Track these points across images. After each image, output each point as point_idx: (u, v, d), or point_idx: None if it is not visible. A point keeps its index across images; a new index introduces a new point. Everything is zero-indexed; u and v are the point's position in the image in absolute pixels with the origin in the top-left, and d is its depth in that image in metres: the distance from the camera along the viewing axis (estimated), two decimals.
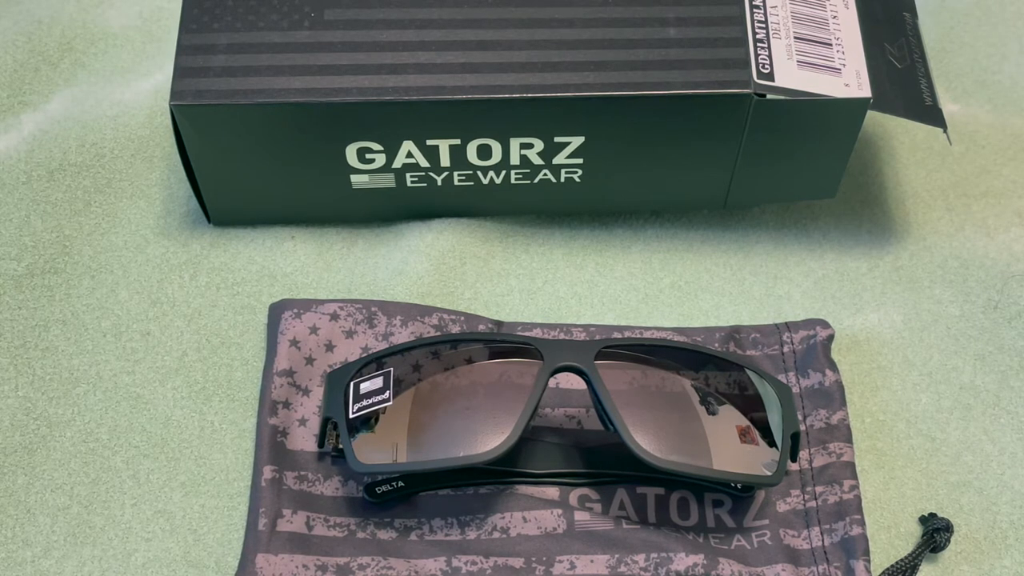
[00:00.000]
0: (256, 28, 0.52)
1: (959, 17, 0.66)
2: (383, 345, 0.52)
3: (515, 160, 0.54)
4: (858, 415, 0.53)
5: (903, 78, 0.53)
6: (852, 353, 0.54)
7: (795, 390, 0.52)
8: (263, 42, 0.52)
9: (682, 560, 0.47)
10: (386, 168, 0.54)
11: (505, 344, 0.48)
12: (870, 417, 0.53)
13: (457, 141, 0.53)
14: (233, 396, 0.52)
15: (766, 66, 0.52)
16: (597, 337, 0.53)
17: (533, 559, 0.48)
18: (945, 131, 0.52)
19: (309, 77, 0.51)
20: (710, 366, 0.49)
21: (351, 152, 0.54)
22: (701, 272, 0.57)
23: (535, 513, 0.49)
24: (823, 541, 0.48)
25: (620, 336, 0.53)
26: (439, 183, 0.55)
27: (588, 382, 0.47)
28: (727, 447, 0.47)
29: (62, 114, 0.60)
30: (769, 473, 0.47)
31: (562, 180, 0.56)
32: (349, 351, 0.52)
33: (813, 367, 0.52)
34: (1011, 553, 0.49)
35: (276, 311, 0.53)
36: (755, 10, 0.53)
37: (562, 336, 0.53)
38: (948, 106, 0.63)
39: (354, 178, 0.55)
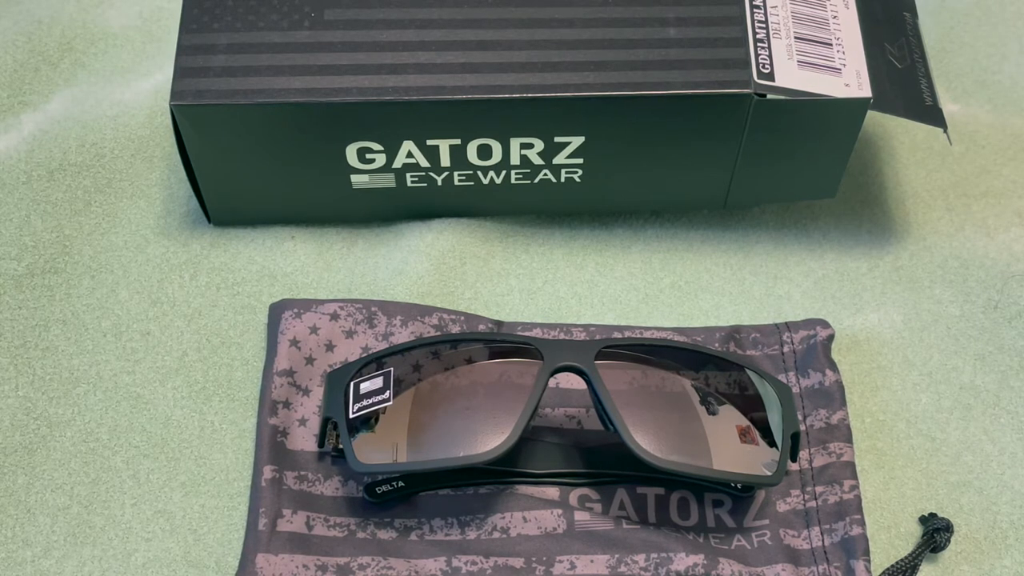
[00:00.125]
0: (256, 28, 0.52)
1: (959, 17, 0.66)
2: (383, 345, 0.52)
3: (515, 160, 0.54)
4: (858, 415, 0.53)
5: (903, 78, 0.53)
6: (852, 353, 0.54)
7: (795, 390, 0.52)
8: (263, 42, 0.52)
9: (682, 560, 0.47)
10: (386, 168, 0.54)
11: (505, 344, 0.48)
12: (870, 417, 0.53)
13: (457, 141, 0.53)
14: (233, 396, 0.52)
15: (766, 66, 0.52)
16: (597, 337, 0.53)
17: (533, 559, 0.48)
18: (945, 131, 0.52)
19: (309, 77, 0.51)
20: (710, 366, 0.49)
21: (351, 152, 0.54)
22: (701, 272, 0.57)
23: (535, 513, 0.49)
24: (823, 541, 0.48)
25: (620, 336, 0.53)
26: (439, 183, 0.55)
27: (588, 382, 0.47)
28: (727, 447, 0.47)
29: (62, 114, 0.60)
30: (769, 473, 0.47)
31: (562, 180, 0.56)
32: (349, 351, 0.52)
33: (813, 367, 0.52)
34: (1011, 553, 0.49)
35: (276, 311, 0.53)
36: (755, 10, 0.53)
37: (562, 336, 0.53)
38: (948, 106, 0.63)
39: (354, 178, 0.55)
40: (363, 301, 0.53)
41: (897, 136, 0.62)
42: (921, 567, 0.49)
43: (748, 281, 0.57)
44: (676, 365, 0.49)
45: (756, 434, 0.48)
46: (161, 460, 0.51)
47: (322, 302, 0.52)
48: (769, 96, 0.51)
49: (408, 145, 0.53)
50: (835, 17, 0.54)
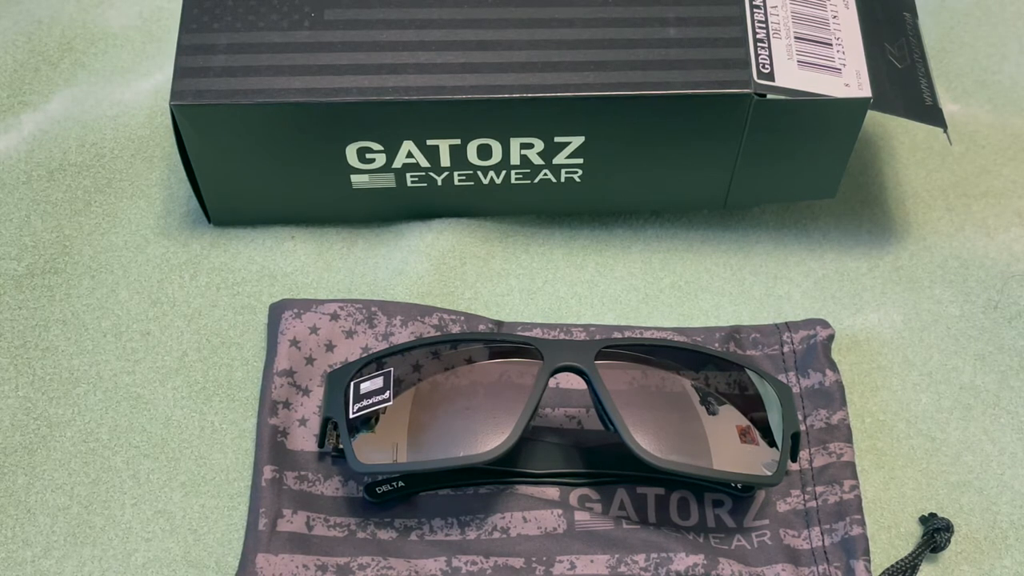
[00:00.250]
0: (256, 28, 0.52)
1: (959, 17, 0.66)
2: (383, 345, 0.52)
3: (515, 160, 0.54)
4: (858, 415, 0.53)
5: (903, 78, 0.53)
6: (852, 353, 0.54)
7: (795, 390, 0.52)
8: (263, 42, 0.52)
9: (682, 560, 0.47)
10: (386, 168, 0.54)
11: (505, 344, 0.48)
12: (870, 417, 0.53)
13: (457, 141, 0.53)
14: (233, 396, 0.52)
15: (766, 66, 0.52)
16: (597, 337, 0.53)
17: (533, 559, 0.48)
18: (945, 131, 0.52)
19: (309, 77, 0.51)
20: (710, 366, 0.49)
21: (351, 152, 0.54)
22: (701, 272, 0.57)
23: (535, 513, 0.49)
24: (823, 541, 0.48)
25: (620, 336, 0.53)
26: (439, 183, 0.55)
27: (588, 382, 0.47)
28: (727, 447, 0.47)
29: (62, 114, 0.60)
30: (769, 473, 0.47)
31: (562, 180, 0.56)
32: (349, 351, 0.52)
33: (813, 367, 0.52)
34: (1011, 553, 0.49)
35: (276, 311, 0.53)
36: (755, 10, 0.53)
37: (562, 336, 0.53)
38: (948, 106, 0.63)
39: (354, 178, 0.55)
40: (363, 301, 0.53)
41: (897, 136, 0.62)
42: (921, 567, 0.49)
43: (748, 281, 0.57)
44: (676, 365, 0.49)
45: (756, 434, 0.48)
46: (161, 460, 0.51)
47: (322, 302, 0.52)
48: (769, 96, 0.51)
49: (408, 145, 0.53)
50: (835, 17, 0.54)
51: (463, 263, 0.56)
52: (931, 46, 0.65)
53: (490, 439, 0.46)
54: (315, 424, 0.50)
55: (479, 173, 0.55)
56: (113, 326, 0.54)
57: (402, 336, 0.52)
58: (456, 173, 0.55)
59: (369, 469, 0.47)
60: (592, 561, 0.47)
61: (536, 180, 0.56)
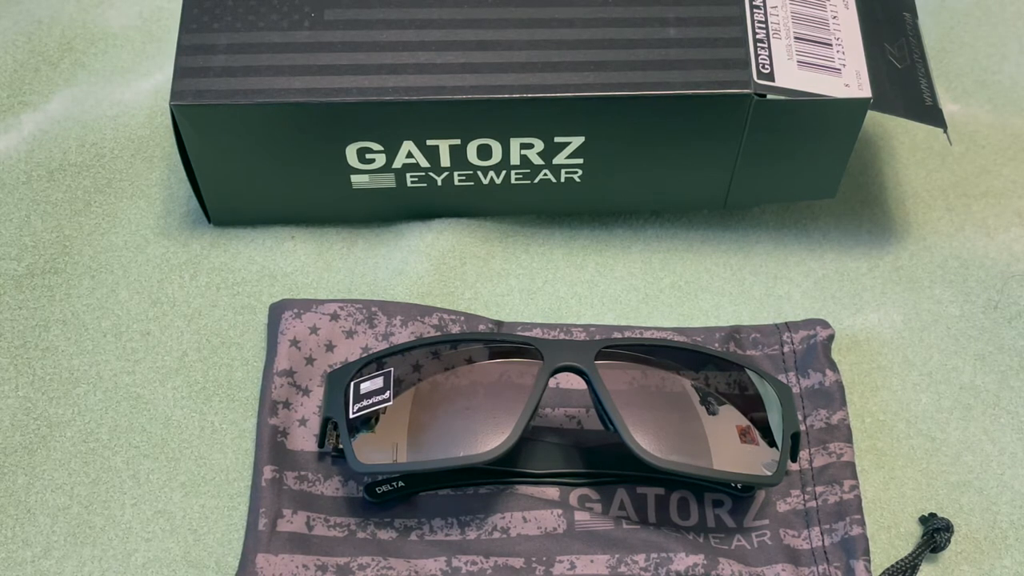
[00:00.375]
0: (256, 28, 0.52)
1: (959, 17, 0.66)
2: (383, 345, 0.52)
3: (515, 160, 0.54)
4: (858, 415, 0.53)
5: (903, 78, 0.53)
6: (852, 353, 0.54)
7: (795, 390, 0.52)
8: (263, 42, 0.52)
9: (682, 560, 0.47)
10: (386, 168, 0.54)
11: (505, 344, 0.48)
12: (870, 417, 0.53)
13: (457, 141, 0.53)
14: (233, 396, 0.52)
15: (766, 66, 0.52)
16: (597, 337, 0.53)
17: (533, 559, 0.48)
18: (945, 131, 0.52)
19: (309, 77, 0.51)
20: (710, 366, 0.49)
21: (351, 152, 0.54)
22: (701, 272, 0.57)
23: (535, 513, 0.49)
24: (823, 541, 0.48)
25: (620, 336, 0.53)
26: (439, 183, 0.55)
27: (588, 382, 0.47)
28: (727, 447, 0.47)
29: (62, 114, 0.60)
30: (769, 473, 0.47)
31: (562, 180, 0.56)
32: (349, 351, 0.52)
33: (813, 367, 0.52)
34: (1011, 553, 0.49)
35: (276, 311, 0.53)
36: (755, 10, 0.53)
37: (562, 336, 0.53)
38: (948, 106, 0.63)
39: (354, 178, 0.55)
40: (363, 301, 0.53)
41: (897, 136, 0.62)
42: (921, 567, 0.49)
43: (748, 281, 0.57)
44: (676, 365, 0.49)
45: (756, 434, 0.48)
46: (161, 460, 0.51)
47: (322, 302, 0.52)
48: (769, 96, 0.51)
49: (408, 145, 0.53)
50: (835, 17, 0.54)
51: (463, 263, 0.56)
52: (931, 46, 0.65)
53: (490, 439, 0.46)
54: (315, 424, 0.50)
55: (479, 173, 0.55)
56: (113, 326, 0.54)
57: (402, 336, 0.52)
58: (456, 173, 0.55)
59: (369, 469, 0.47)
60: (592, 561, 0.47)
61: (536, 180, 0.56)
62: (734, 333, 0.53)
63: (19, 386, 0.52)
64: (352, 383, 0.49)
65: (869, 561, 0.47)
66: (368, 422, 0.47)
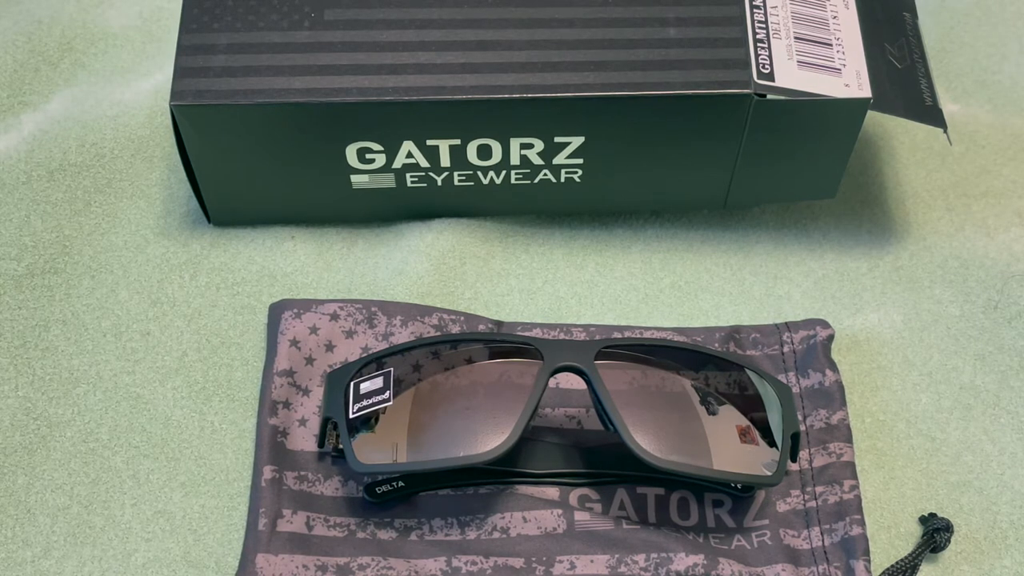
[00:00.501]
0: (256, 28, 0.52)
1: (959, 17, 0.66)
2: (383, 345, 0.52)
3: (515, 160, 0.54)
4: (858, 415, 0.53)
5: (903, 78, 0.53)
6: (852, 353, 0.54)
7: (795, 390, 0.52)
8: (263, 42, 0.52)
9: (682, 560, 0.47)
10: (386, 168, 0.54)
11: (505, 344, 0.48)
12: (870, 417, 0.53)
13: (457, 141, 0.53)
14: (233, 396, 0.52)
15: (766, 66, 0.52)
16: (597, 337, 0.53)
17: (533, 559, 0.48)
18: (945, 131, 0.52)
19: (309, 77, 0.51)
20: (710, 366, 0.49)
21: (351, 152, 0.54)
22: (701, 272, 0.57)
23: (535, 513, 0.49)
24: (823, 541, 0.48)
25: (620, 336, 0.53)
26: (439, 183, 0.55)
27: (588, 382, 0.47)
28: (727, 447, 0.47)
29: (62, 114, 0.60)
30: (769, 473, 0.47)
31: (562, 180, 0.56)
32: (349, 351, 0.52)
33: (813, 367, 0.52)
34: (1011, 553, 0.49)
35: (276, 311, 0.53)
36: (755, 10, 0.53)
37: (562, 336, 0.53)
38: (948, 106, 0.63)
39: (354, 178, 0.55)
40: (363, 301, 0.53)
41: (897, 136, 0.62)
42: (921, 567, 0.49)
43: (748, 281, 0.57)
44: (676, 365, 0.49)
45: (756, 434, 0.48)
46: (161, 460, 0.51)
47: (322, 302, 0.52)
48: (769, 96, 0.51)
49: (408, 145, 0.53)
50: (835, 17, 0.54)
51: (463, 263, 0.56)
52: (931, 46, 0.65)
53: (490, 439, 0.46)
54: (315, 424, 0.50)
55: (479, 173, 0.55)
56: (113, 326, 0.54)
57: (402, 336, 0.52)
58: (456, 173, 0.55)
59: (369, 469, 0.47)
60: (592, 561, 0.47)
61: (536, 180, 0.56)
62: (734, 333, 0.53)
63: (19, 386, 0.52)
64: (352, 383, 0.49)
65: (869, 561, 0.47)
66: (368, 422, 0.47)
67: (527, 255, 0.57)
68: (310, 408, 0.51)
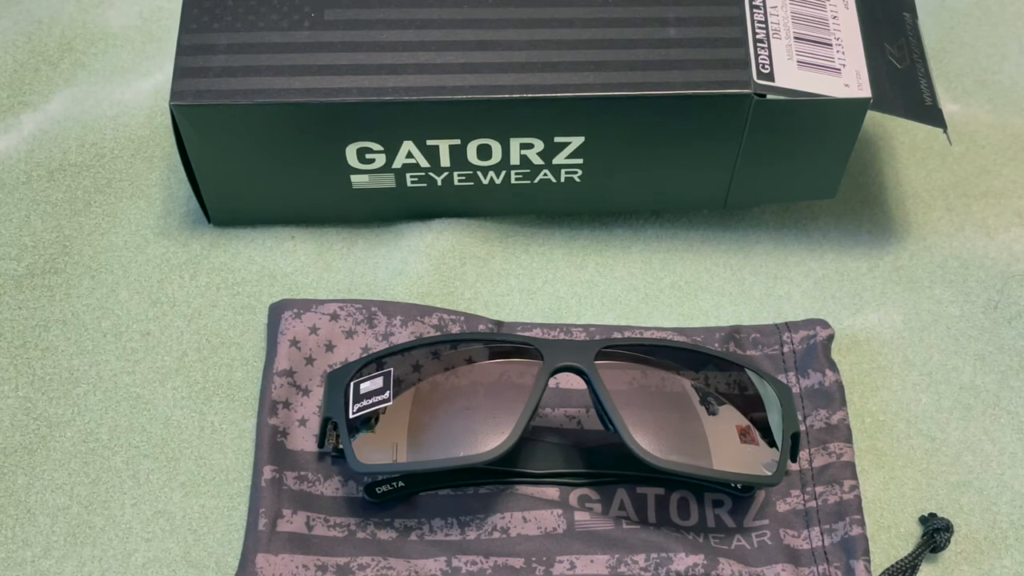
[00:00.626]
0: (256, 28, 0.52)
1: (959, 17, 0.66)
2: (383, 345, 0.52)
3: (515, 160, 0.54)
4: (858, 415, 0.53)
5: (903, 78, 0.53)
6: (852, 353, 0.54)
7: (795, 390, 0.52)
8: (263, 42, 0.52)
9: (682, 560, 0.47)
10: (386, 168, 0.54)
11: (505, 344, 0.48)
12: (870, 417, 0.53)
13: (457, 141, 0.53)
14: (233, 396, 0.52)
15: (766, 66, 0.52)
16: (597, 337, 0.53)
17: (533, 559, 0.48)
18: (945, 131, 0.52)
19: (309, 77, 0.51)
20: (710, 366, 0.49)
21: (351, 152, 0.54)
22: (701, 272, 0.57)
23: (535, 513, 0.49)
24: (823, 541, 0.48)
25: (620, 336, 0.53)
26: (439, 183, 0.55)
27: (588, 382, 0.47)
28: (727, 447, 0.47)
29: (62, 114, 0.60)
30: (769, 473, 0.47)
31: (562, 180, 0.56)
32: (349, 351, 0.52)
33: (813, 367, 0.52)
34: (1011, 553, 0.49)
35: (276, 311, 0.53)
36: (755, 10, 0.53)
37: (562, 336, 0.53)
38: (948, 106, 0.63)
39: (354, 178, 0.55)
40: (363, 301, 0.53)
41: (897, 136, 0.62)
42: (921, 567, 0.49)
43: (748, 281, 0.57)
44: (676, 365, 0.49)
45: (756, 434, 0.48)
46: (161, 460, 0.51)
47: (322, 302, 0.52)
48: (769, 96, 0.51)
49: (408, 145, 0.53)
50: (835, 17, 0.54)
51: (463, 263, 0.56)
52: (931, 46, 0.65)
53: (490, 439, 0.46)
54: (315, 424, 0.50)
55: (479, 173, 0.55)
56: (113, 326, 0.54)
57: (402, 336, 0.52)
58: (456, 173, 0.55)
59: (369, 469, 0.47)
60: (592, 561, 0.47)
61: (536, 180, 0.56)
62: (734, 333, 0.53)
63: (19, 386, 0.52)
64: (352, 383, 0.49)
65: (869, 561, 0.47)
66: (368, 422, 0.47)
67: (527, 255, 0.57)
68: (310, 408, 0.51)
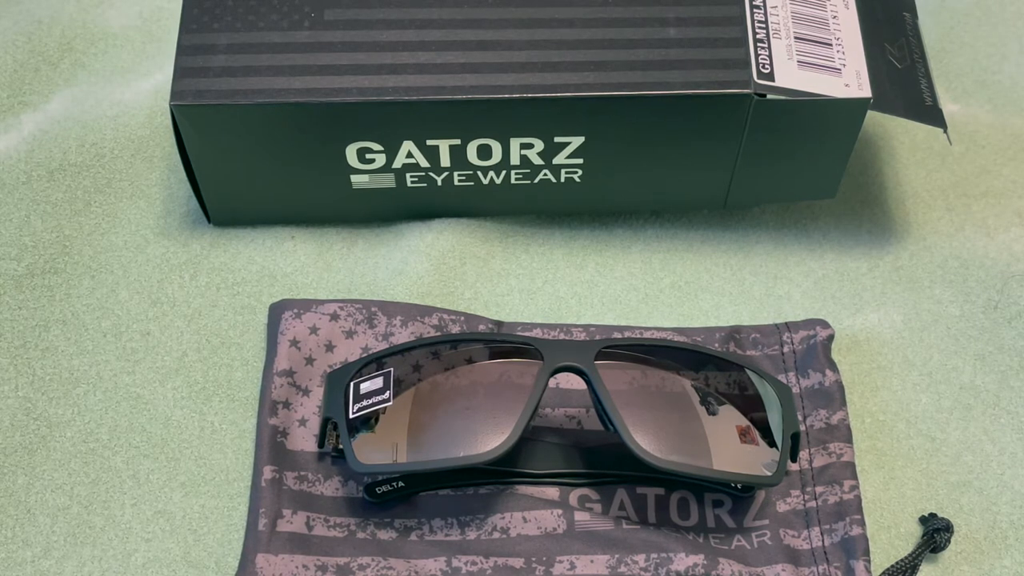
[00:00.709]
0: (256, 28, 0.52)
1: (959, 17, 0.66)
2: (383, 345, 0.52)
3: (515, 160, 0.54)
4: (858, 415, 0.53)
5: (903, 78, 0.53)
6: (852, 353, 0.54)
7: (795, 390, 0.52)
8: (263, 42, 0.52)
9: (682, 560, 0.47)
10: (386, 168, 0.54)
11: (505, 344, 0.48)
12: (870, 417, 0.53)
13: (457, 141, 0.53)
14: (233, 396, 0.52)
15: (766, 66, 0.52)
16: (597, 337, 0.53)
17: (533, 559, 0.48)
18: (945, 131, 0.52)
19: (309, 77, 0.51)
20: (710, 366, 0.49)
21: (351, 152, 0.54)
22: (701, 272, 0.57)
23: (535, 513, 0.49)
24: (823, 541, 0.48)
25: (620, 336, 0.53)
26: (439, 183, 0.55)
27: (588, 382, 0.47)
28: (727, 447, 0.47)
29: (62, 114, 0.60)
30: (769, 473, 0.47)
31: (562, 180, 0.56)
32: (349, 351, 0.52)
33: (813, 367, 0.52)
34: (1011, 553, 0.49)
35: (276, 311, 0.53)
36: (755, 10, 0.53)
37: (562, 336, 0.53)
38: (948, 106, 0.63)
39: (354, 178, 0.55)
40: (363, 301, 0.53)
41: (897, 136, 0.62)
42: (921, 567, 0.49)
43: (748, 281, 0.57)
44: (676, 365, 0.49)
45: (756, 434, 0.48)
46: (161, 460, 0.51)
47: (322, 302, 0.52)
48: (769, 96, 0.51)
49: (408, 145, 0.53)
50: (835, 17, 0.54)
51: (463, 263, 0.56)
52: (931, 46, 0.65)
53: (490, 439, 0.46)
54: (315, 424, 0.50)
55: (479, 173, 0.55)
56: (113, 326, 0.54)
57: (402, 336, 0.52)
58: (456, 173, 0.55)
59: (369, 469, 0.47)
60: (592, 561, 0.47)
61: (536, 180, 0.56)
62: (734, 333, 0.53)
63: (19, 386, 0.52)
64: (352, 383, 0.49)
65: (869, 561, 0.47)
66: (368, 422, 0.47)
67: (527, 255, 0.57)
68: (310, 408, 0.51)
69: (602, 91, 0.51)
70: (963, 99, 0.63)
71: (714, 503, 0.50)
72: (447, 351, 0.49)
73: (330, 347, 0.52)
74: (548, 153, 0.54)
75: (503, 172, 0.55)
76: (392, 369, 0.48)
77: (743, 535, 0.49)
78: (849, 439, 0.50)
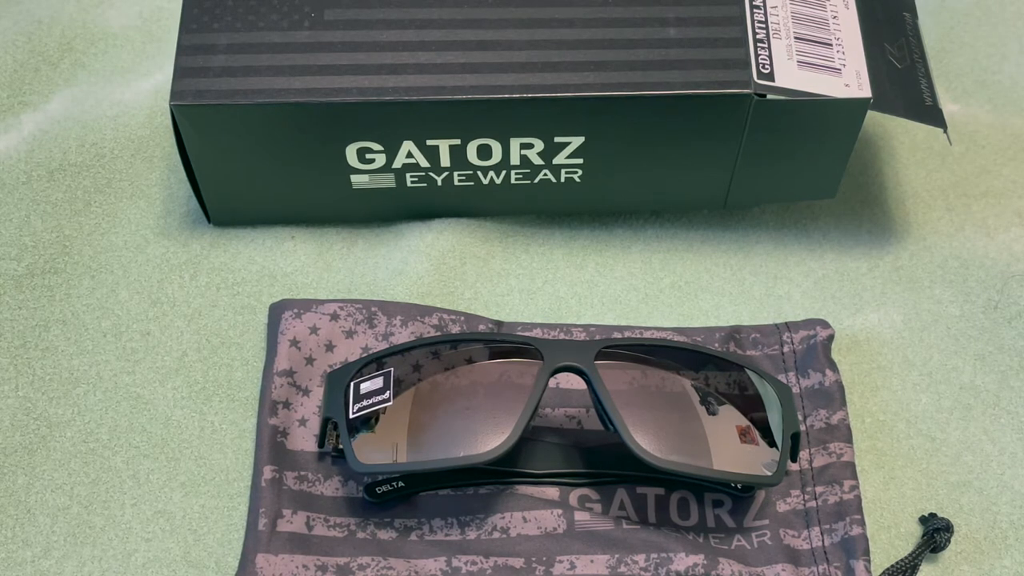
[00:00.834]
0: (256, 28, 0.52)
1: (959, 17, 0.66)
2: (383, 345, 0.52)
3: (515, 160, 0.54)
4: (858, 415, 0.53)
5: (903, 78, 0.53)
6: (852, 353, 0.54)
7: (795, 390, 0.52)
8: (263, 42, 0.52)
9: (682, 560, 0.47)
10: (386, 168, 0.54)
11: (505, 344, 0.48)
12: (870, 417, 0.53)
13: (457, 141, 0.53)
14: (233, 396, 0.52)
15: (766, 66, 0.52)
16: (597, 337, 0.53)
17: (533, 559, 0.48)
18: (945, 131, 0.52)
19: (309, 77, 0.51)
20: (710, 366, 0.49)
21: (351, 152, 0.54)
22: (701, 272, 0.57)
23: (535, 513, 0.49)
24: (823, 541, 0.48)
25: (620, 336, 0.53)
26: (439, 183, 0.55)
27: (588, 382, 0.47)
28: (727, 447, 0.47)
29: (62, 114, 0.60)
30: (769, 473, 0.47)
31: (562, 180, 0.56)
32: (349, 351, 0.52)
33: (813, 367, 0.52)
34: (1011, 553, 0.49)
35: (276, 311, 0.53)
36: (755, 10, 0.53)
37: (562, 336, 0.53)
38: (948, 106, 0.63)
39: (354, 178, 0.55)
40: (363, 301, 0.53)
41: (897, 136, 0.62)
42: (921, 567, 0.49)
43: (748, 281, 0.57)
44: (676, 365, 0.49)
45: (756, 434, 0.48)
46: (161, 460, 0.51)
47: (322, 302, 0.52)
48: (769, 96, 0.51)
49: (408, 145, 0.53)
50: (835, 17, 0.54)
51: (463, 263, 0.56)
52: (931, 46, 0.65)
53: (490, 439, 0.46)
54: (315, 424, 0.50)
55: (479, 173, 0.55)
56: (113, 326, 0.54)
57: (402, 336, 0.52)
58: (456, 173, 0.55)
59: (369, 469, 0.47)
60: (592, 561, 0.47)
61: (536, 180, 0.56)
62: (734, 333, 0.53)
63: (19, 386, 0.52)
64: (352, 383, 0.49)
65: (869, 561, 0.47)
66: (368, 422, 0.47)
67: (527, 255, 0.57)
68: (310, 408, 0.51)
69: (602, 91, 0.51)
70: (963, 99, 0.63)
71: (714, 503, 0.50)
72: (447, 351, 0.49)
73: (330, 347, 0.52)
74: (548, 153, 0.54)
75: (503, 172, 0.55)
76: (392, 369, 0.48)
77: (743, 535, 0.49)
78: (849, 439, 0.50)
